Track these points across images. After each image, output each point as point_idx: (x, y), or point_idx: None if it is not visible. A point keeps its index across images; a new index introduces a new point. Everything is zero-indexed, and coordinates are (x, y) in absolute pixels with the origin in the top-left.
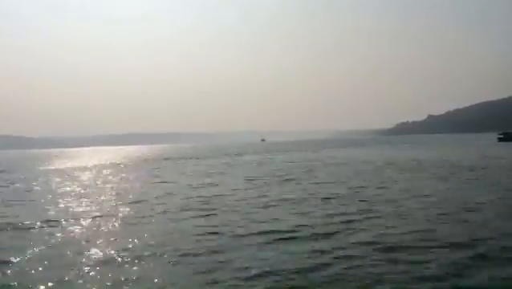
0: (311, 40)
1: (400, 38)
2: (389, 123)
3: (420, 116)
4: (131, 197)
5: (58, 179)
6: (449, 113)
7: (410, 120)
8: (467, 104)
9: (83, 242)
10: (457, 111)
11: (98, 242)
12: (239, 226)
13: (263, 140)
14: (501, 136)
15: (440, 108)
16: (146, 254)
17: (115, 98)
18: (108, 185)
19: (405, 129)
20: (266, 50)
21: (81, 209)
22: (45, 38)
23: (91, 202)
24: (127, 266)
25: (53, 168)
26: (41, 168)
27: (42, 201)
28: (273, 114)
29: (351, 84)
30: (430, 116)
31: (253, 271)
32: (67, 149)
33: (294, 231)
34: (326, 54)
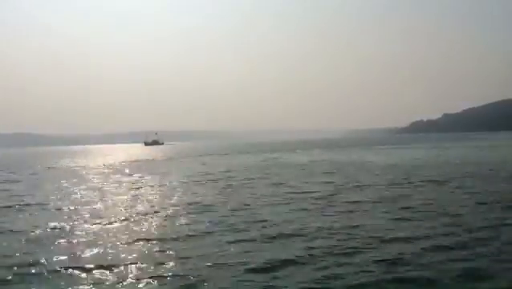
0: (320, 38)
1: (413, 35)
2: (401, 121)
3: (434, 115)
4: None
5: None
6: (464, 112)
7: (425, 119)
8: (483, 103)
9: None
10: (473, 110)
11: None
12: None
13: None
14: None
15: (455, 107)
16: None
17: (114, 96)
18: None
19: (420, 128)
20: (271, 48)
21: None
22: (45, 32)
23: None
24: None
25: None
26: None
27: None
28: (277, 113)
29: (363, 82)
30: (445, 115)
31: None
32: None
33: None
34: (334, 52)
